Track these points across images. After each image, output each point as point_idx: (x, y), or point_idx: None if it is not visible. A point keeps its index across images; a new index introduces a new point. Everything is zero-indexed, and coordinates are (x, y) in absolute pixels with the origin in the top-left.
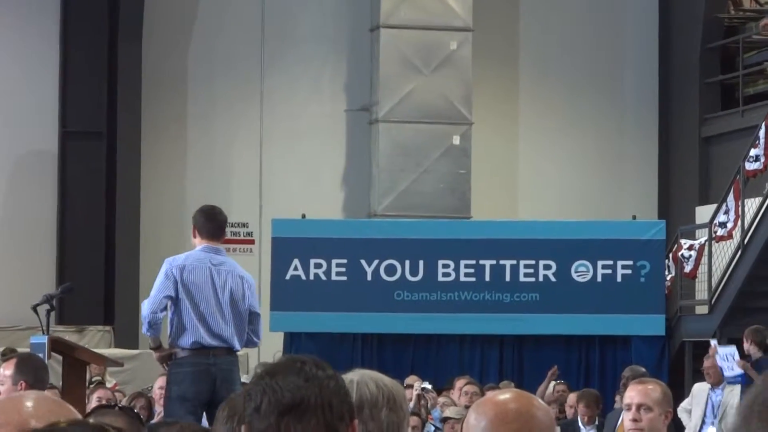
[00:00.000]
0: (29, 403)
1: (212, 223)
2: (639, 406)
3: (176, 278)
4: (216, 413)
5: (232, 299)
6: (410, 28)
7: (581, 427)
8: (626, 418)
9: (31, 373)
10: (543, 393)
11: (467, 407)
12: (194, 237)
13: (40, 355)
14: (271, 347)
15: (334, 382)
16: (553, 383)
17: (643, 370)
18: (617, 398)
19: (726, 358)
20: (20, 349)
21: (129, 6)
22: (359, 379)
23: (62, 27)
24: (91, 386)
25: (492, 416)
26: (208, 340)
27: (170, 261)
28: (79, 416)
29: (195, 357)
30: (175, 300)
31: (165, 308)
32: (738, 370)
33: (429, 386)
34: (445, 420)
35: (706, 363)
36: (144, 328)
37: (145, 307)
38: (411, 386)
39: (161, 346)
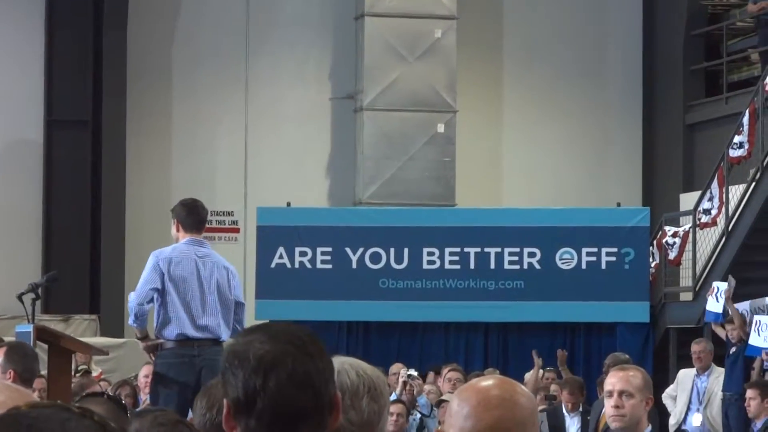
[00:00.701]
0: None
1: (195, 216)
2: (620, 393)
3: (163, 271)
4: (194, 402)
5: (219, 290)
6: (395, 16)
7: (566, 414)
8: (607, 405)
9: (19, 362)
10: (533, 382)
11: (451, 394)
12: (177, 230)
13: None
14: None
15: (327, 377)
16: (541, 370)
17: (626, 357)
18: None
19: (718, 296)
20: (6, 338)
21: None
22: (339, 367)
23: (47, 16)
24: (78, 375)
25: (475, 403)
26: (193, 332)
27: (157, 254)
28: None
29: (180, 348)
30: (162, 292)
31: (151, 300)
32: (719, 308)
33: (415, 373)
34: (439, 403)
35: (696, 347)
36: (130, 320)
37: (132, 299)
38: (396, 374)
39: (148, 336)
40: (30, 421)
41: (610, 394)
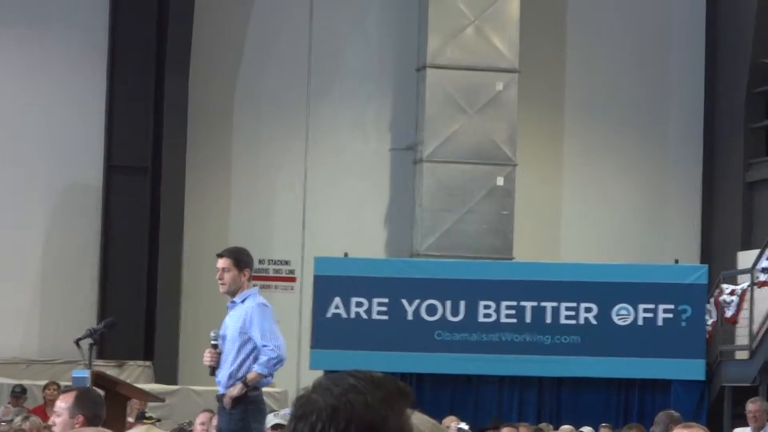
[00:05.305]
0: None
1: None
2: None
3: None
4: None
5: None
6: (456, 69)
7: None
8: None
9: (89, 407)
10: None
11: None
12: (245, 277)
13: None
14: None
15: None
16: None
17: (677, 414)
18: None
19: None
20: (63, 383)
21: (176, 40)
22: None
23: (109, 61)
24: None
25: None
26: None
27: (268, 304)
28: None
29: (263, 395)
30: None
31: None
32: None
33: (466, 426)
34: None
35: (752, 406)
36: (271, 368)
37: (280, 350)
38: (448, 427)
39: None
40: None
41: None
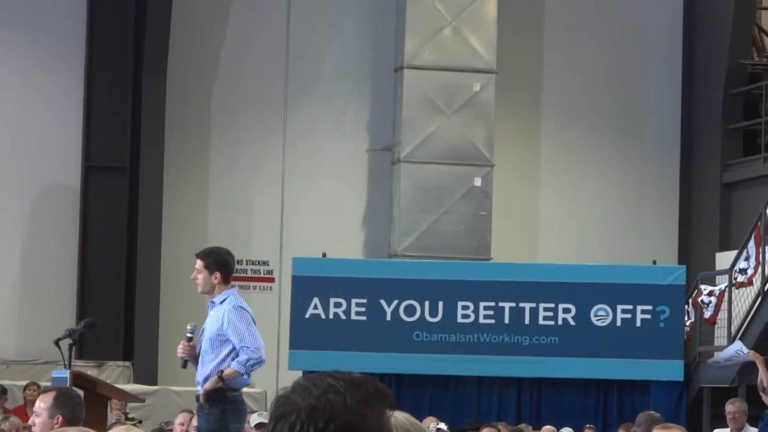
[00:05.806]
0: None
1: (234, 268)
2: None
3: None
4: None
5: None
6: (434, 69)
7: None
8: None
9: (68, 408)
10: None
11: None
12: (216, 281)
13: None
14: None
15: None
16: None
17: (658, 415)
18: None
19: (737, 354)
20: (42, 383)
21: (154, 41)
22: None
23: (87, 62)
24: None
25: None
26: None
27: (246, 307)
28: None
29: (241, 396)
30: None
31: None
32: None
33: (444, 427)
34: None
35: (731, 407)
36: (252, 368)
37: (260, 351)
38: (428, 427)
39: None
40: None
41: None
